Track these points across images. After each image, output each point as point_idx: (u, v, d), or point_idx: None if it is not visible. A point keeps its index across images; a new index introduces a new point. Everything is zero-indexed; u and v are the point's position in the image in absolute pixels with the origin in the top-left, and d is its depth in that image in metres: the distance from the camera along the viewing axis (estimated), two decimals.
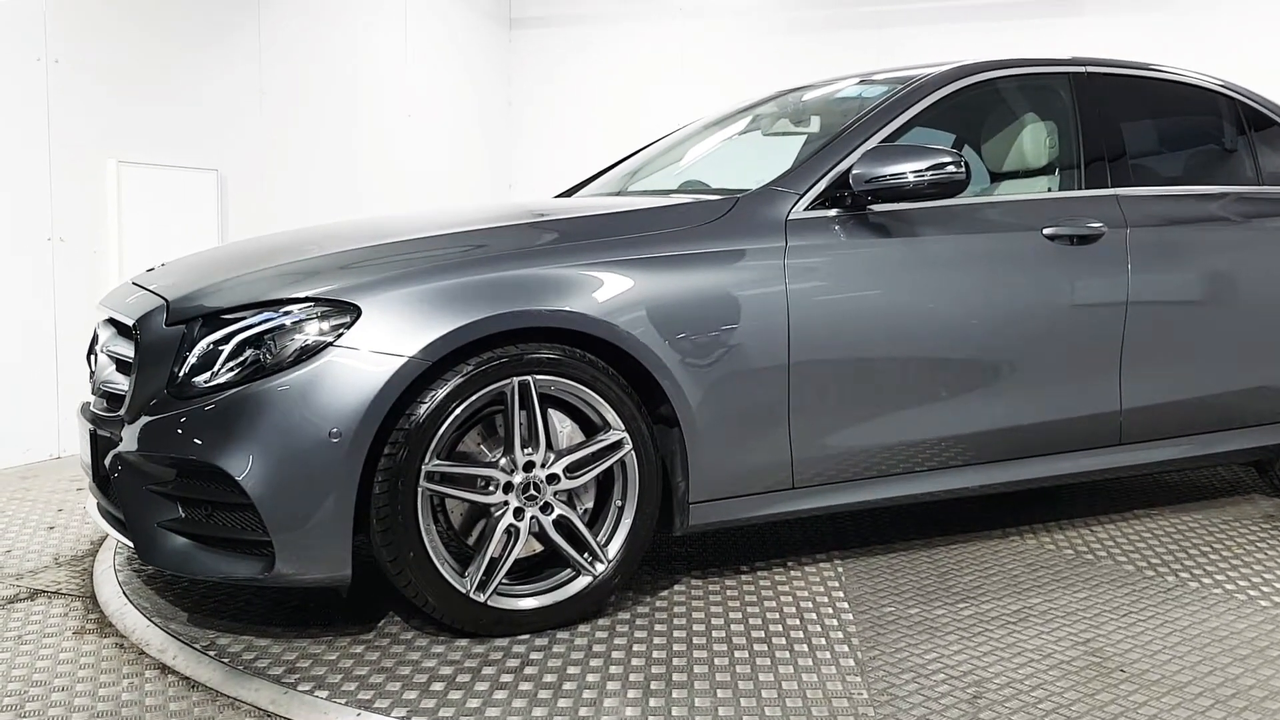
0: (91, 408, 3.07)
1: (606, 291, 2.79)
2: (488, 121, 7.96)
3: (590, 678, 2.51)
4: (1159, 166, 3.93)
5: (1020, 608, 2.96)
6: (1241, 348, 3.69)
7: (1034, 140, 3.64)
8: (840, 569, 3.28)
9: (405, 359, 2.57)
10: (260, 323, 2.63)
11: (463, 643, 2.71)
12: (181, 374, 2.67)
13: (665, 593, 3.07)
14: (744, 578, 3.20)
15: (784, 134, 3.96)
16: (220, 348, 2.65)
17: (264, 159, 5.92)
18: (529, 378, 2.70)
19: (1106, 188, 3.59)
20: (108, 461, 2.78)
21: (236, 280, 2.78)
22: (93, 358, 3.17)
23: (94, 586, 3.22)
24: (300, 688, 2.47)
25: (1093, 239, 3.45)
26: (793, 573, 3.25)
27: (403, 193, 6.91)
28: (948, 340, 3.25)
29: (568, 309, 2.72)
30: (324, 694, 2.44)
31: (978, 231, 3.34)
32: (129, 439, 2.73)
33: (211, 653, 2.67)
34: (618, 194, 4.05)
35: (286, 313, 2.64)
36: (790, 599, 3.02)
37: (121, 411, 2.81)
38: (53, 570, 3.40)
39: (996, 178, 3.69)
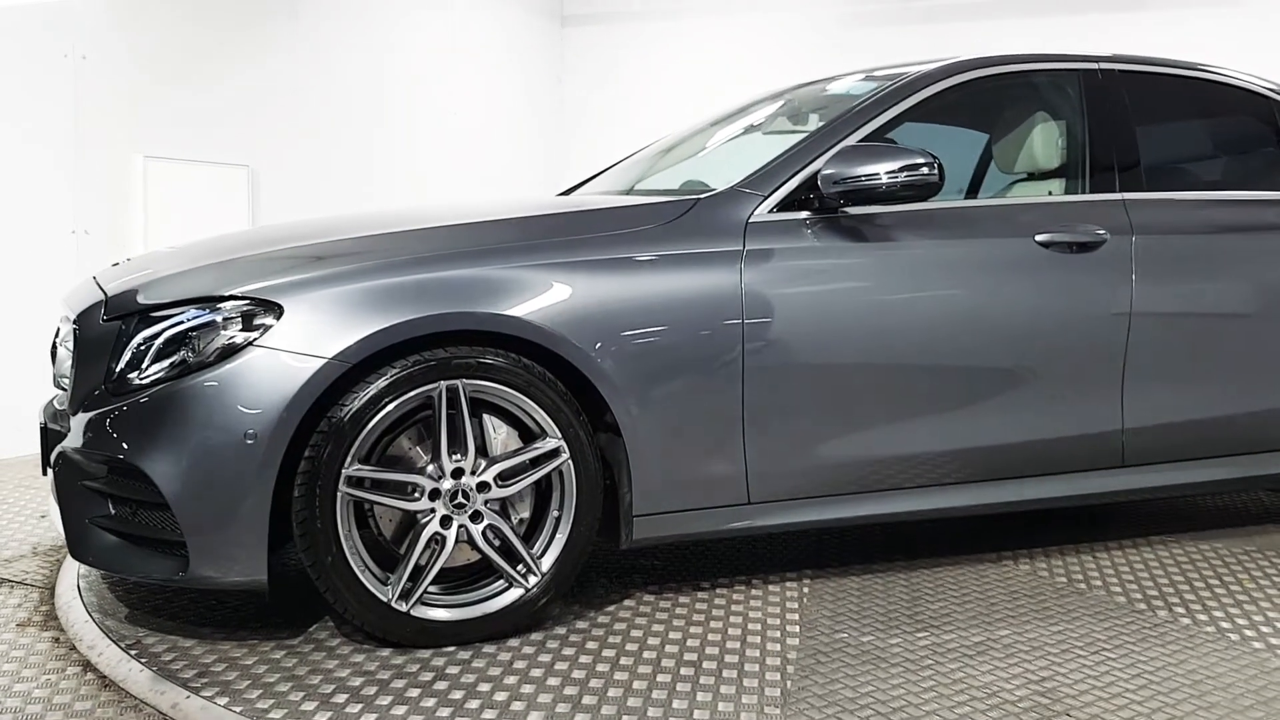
0: (54, 402, 3.09)
1: (542, 294, 2.70)
2: (538, 120, 7.91)
3: (498, 696, 2.42)
4: (1185, 173, 3.68)
5: (983, 640, 2.78)
6: (1258, 366, 3.42)
7: (1036, 141, 3.43)
8: (807, 589, 3.13)
9: (323, 361, 2.51)
10: (186, 320, 2.60)
11: (385, 653, 2.64)
12: (117, 370, 2.66)
13: (612, 608, 2.96)
14: (700, 595, 3.07)
15: (782, 133, 3.80)
16: (150, 345, 2.62)
17: (297, 155, 5.96)
18: (458, 382, 2.62)
19: (1114, 192, 3.36)
20: (52, 456, 2.78)
21: (174, 277, 2.75)
22: (56, 352, 3.19)
23: (57, 579, 3.23)
24: (204, 693, 2.42)
25: (1093, 246, 3.24)
26: (754, 591, 3.11)
27: (442, 190, 6.90)
28: (925, 351, 3.07)
29: (495, 312, 2.63)
30: (224, 700, 2.39)
31: (961, 236, 3.16)
32: (71, 434, 2.72)
33: (134, 652, 2.65)
34: (625, 192, 3.94)
35: (214, 310, 2.60)
36: (740, 620, 2.89)
37: (63, 406, 2.81)
38: (27, 560, 3.43)
39: (994, 180, 3.48)
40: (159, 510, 2.56)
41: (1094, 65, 3.49)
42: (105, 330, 2.69)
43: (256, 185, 5.76)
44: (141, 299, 2.68)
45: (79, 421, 2.69)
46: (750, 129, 4.01)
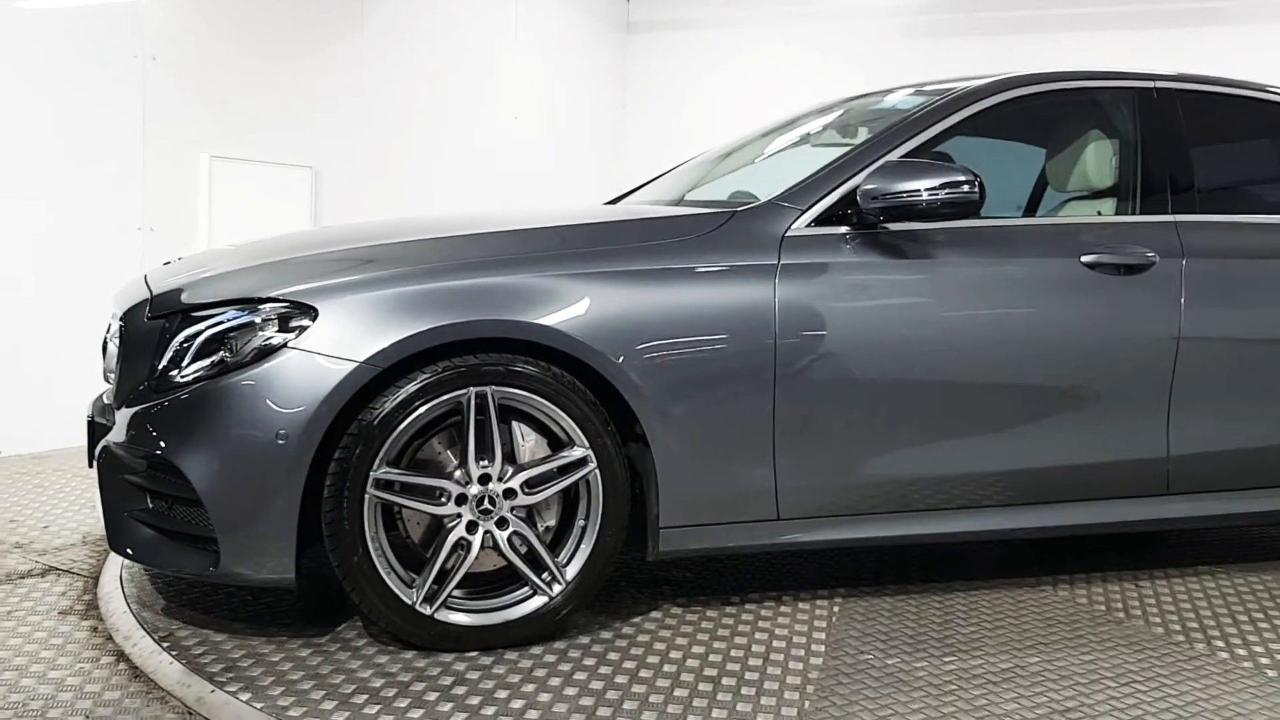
0: (103, 397, 3.17)
1: (573, 303, 2.71)
2: (601, 125, 7.95)
3: (514, 704, 2.43)
4: (1241, 196, 3.59)
5: (1011, 666, 2.73)
6: None
7: (1086, 160, 3.37)
8: (838, 608, 3.10)
9: (355, 364, 2.55)
10: (226, 320, 2.66)
11: (408, 655, 2.67)
12: (160, 368, 2.72)
13: (638, 619, 2.96)
14: (729, 609, 3.06)
15: (831, 145, 3.78)
16: (191, 344, 2.68)
17: (361, 157, 6.05)
18: (487, 389, 2.64)
19: (1165, 214, 3.29)
20: (96, 449, 2.85)
21: (218, 277, 2.81)
22: (107, 347, 3.27)
23: (102, 569, 3.32)
24: (229, 688, 2.47)
25: (1141, 268, 3.17)
26: (784, 608, 3.09)
27: (504, 194, 6.96)
28: (965, 370, 3.03)
29: (525, 320, 2.65)
30: (247, 696, 2.44)
31: (1005, 255, 3.11)
32: (115, 429, 2.79)
33: (166, 644, 2.71)
34: (675, 201, 3.94)
35: (253, 312, 2.65)
36: (765, 636, 2.87)
37: (110, 401, 2.89)
38: (76, 549, 3.53)
39: (1044, 198, 3.43)
40: (193, 506, 2.61)
41: (1149, 84, 3.42)
42: (149, 328, 2.76)
43: (320, 186, 5.87)
44: (184, 299, 2.75)
45: (122, 417, 2.76)
46: (802, 140, 3.99)
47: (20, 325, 4.54)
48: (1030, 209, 3.54)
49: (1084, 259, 3.13)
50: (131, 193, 5.01)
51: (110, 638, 2.80)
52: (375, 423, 2.57)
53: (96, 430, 2.94)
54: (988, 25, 7.01)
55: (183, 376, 2.66)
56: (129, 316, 2.84)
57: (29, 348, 4.74)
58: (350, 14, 5.98)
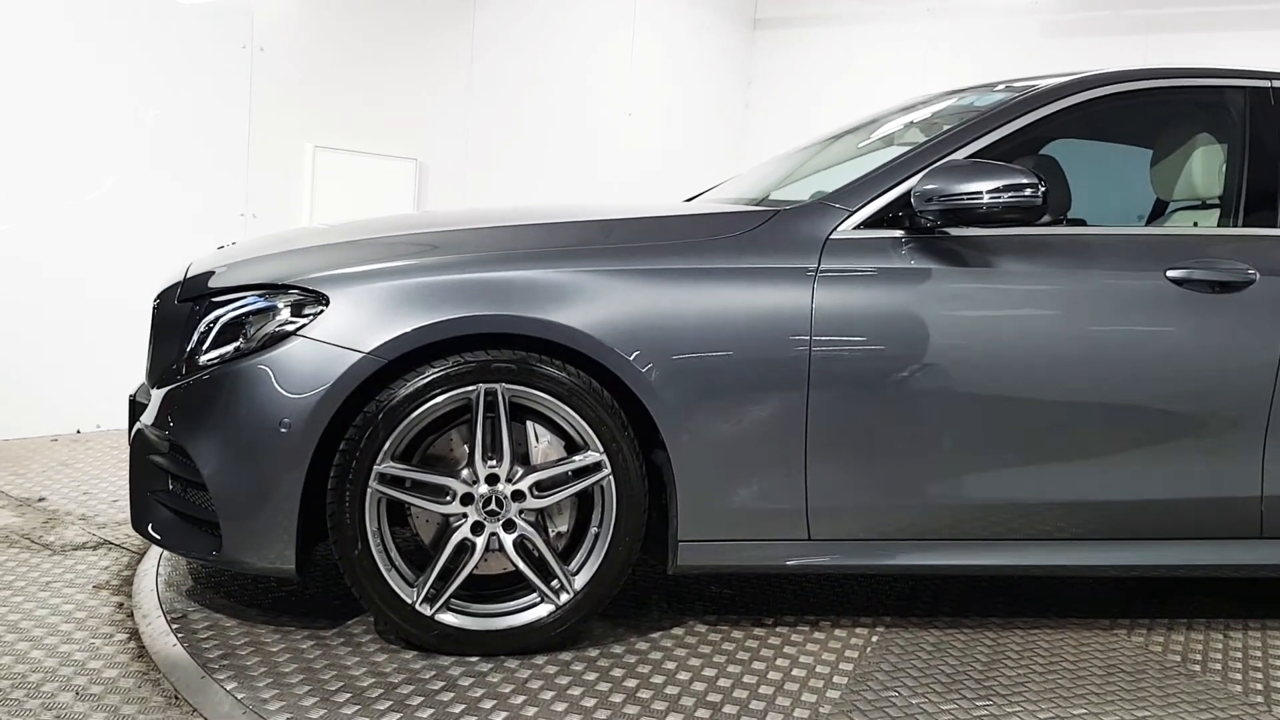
0: None
1: (593, 301, 2.59)
2: (722, 124, 7.80)
3: (497, 716, 2.33)
4: None
5: (1051, 717, 2.49)
6: None
7: (1180, 165, 3.07)
8: (876, 638, 2.90)
9: (360, 355, 2.49)
10: (246, 306, 2.64)
11: (407, 656, 2.60)
12: (187, 350, 2.72)
13: (657, 634, 2.83)
14: (756, 631, 2.89)
15: (910, 144, 3.55)
16: (213, 328, 2.67)
17: (467, 151, 6.07)
18: (497, 386, 2.55)
19: (1273, 227, 2.96)
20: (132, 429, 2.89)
21: (247, 263, 2.80)
22: None
23: (150, 546, 3.37)
24: (218, 675, 2.45)
25: (1238, 286, 2.86)
26: (817, 633, 2.90)
27: (614, 192, 6.89)
28: (1027, 389, 2.79)
29: (537, 316, 2.54)
30: (232, 685, 2.41)
31: (1079, 267, 2.84)
32: (147, 410, 2.82)
33: (176, 626, 2.71)
34: (758, 200, 3.79)
35: (270, 297, 2.62)
36: (786, 664, 2.70)
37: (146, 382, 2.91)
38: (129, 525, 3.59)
39: (1130, 207, 3.14)
40: (201, 490, 2.60)
41: (1265, 83, 3.08)
42: (179, 311, 2.77)
43: (424, 178, 5.90)
44: (212, 283, 2.74)
45: (154, 398, 2.77)
46: (888, 139, 3.77)
47: (123, 306, 4.68)
48: (1117, 217, 3.25)
49: (1170, 274, 2.84)
50: (236, 179, 5.13)
51: (131, 615, 2.82)
52: (380, 416, 2.51)
53: (135, 410, 2.97)
54: (1129, 23, 6.57)
55: (204, 360, 2.65)
56: (162, 299, 2.85)
57: (130, 329, 4.89)
58: (461, 7, 6.00)
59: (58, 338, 4.65)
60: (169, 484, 2.75)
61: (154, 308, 2.86)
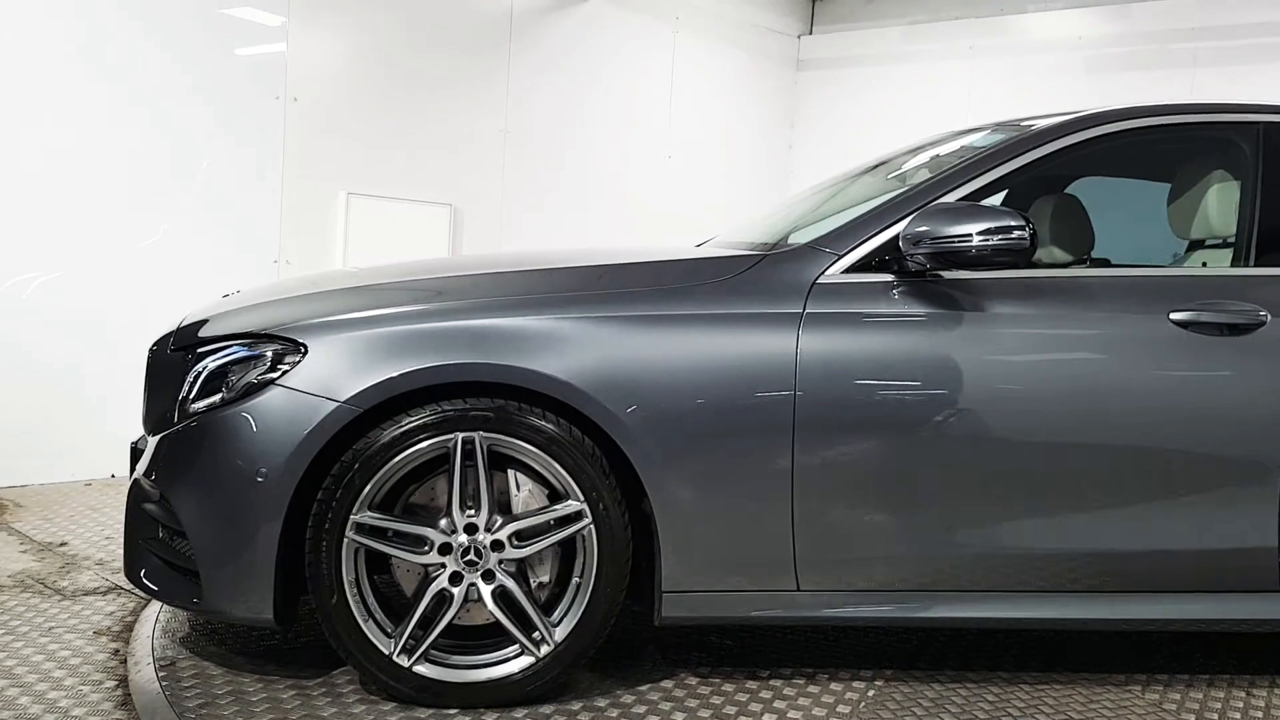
0: None
1: (573, 349, 2.57)
2: (765, 166, 7.78)
3: None
4: None
5: None
6: None
7: (1188, 204, 2.97)
8: (874, 692, 2.82)
9: (336, 404, 2.50)
10: (226, 355, 2.66)
11: (386, 708, 2.58)
12: (179, 399, 2.75)
13: (645, 687, 2.77)
14: (749, 684, 2.82)
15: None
16: (200, 377, 2.70)
17: (503, 195, 6.13)
18: (474, 435, 2.54)
19: None
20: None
21: (237, 312, 2.83)
22: None
23: None
24: None
25: (1248, 329, 2.75)
26: (812, 687, 2.82)
27: (655, 236, 6.89)
28: (1023, 437, 2.70)
29: (515, 365, 2.53)
30: None
31: (1077, 310, 2.76)
32: (143, 457, 2.85)
33: (163, 673, 2.73)
34: (776, 241, 3.75)
35: (252, 346, 2.65)
36: (775, 719, 2.62)
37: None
38: None
39: (1134, 248, 3.04)
40: (184, 538, 2.62)
41: (1277, 118, 2.98)
42: (171, 360, 2.80)
43: (459, 223, 5.96)
44: (201, 333, 2.78)
45: (148, 446, 2.81)
46: (902, 177, 3.71)
47: None
48: (1121, 258, 3.16)
49: (1174, 316, 2.74)
50: (270, 227, 5.22)
51: (124, 662, 2.85)
52: (356, 465, 2.51)
53: (136, 457, 3.01)
54: (1176, 57, 6.42)
55: (190, 409, 2.68)
56: (157, 347, 2.90)
57: None
58: (497, 53, 6.07)
59: (94, 383, 4.76)
60: (159, 532, 2.77)
61: (149, 356, 2.90)
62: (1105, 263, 3.31)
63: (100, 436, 4.74)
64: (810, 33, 8.01)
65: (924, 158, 3.58)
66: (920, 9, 7.53)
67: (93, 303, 4.72)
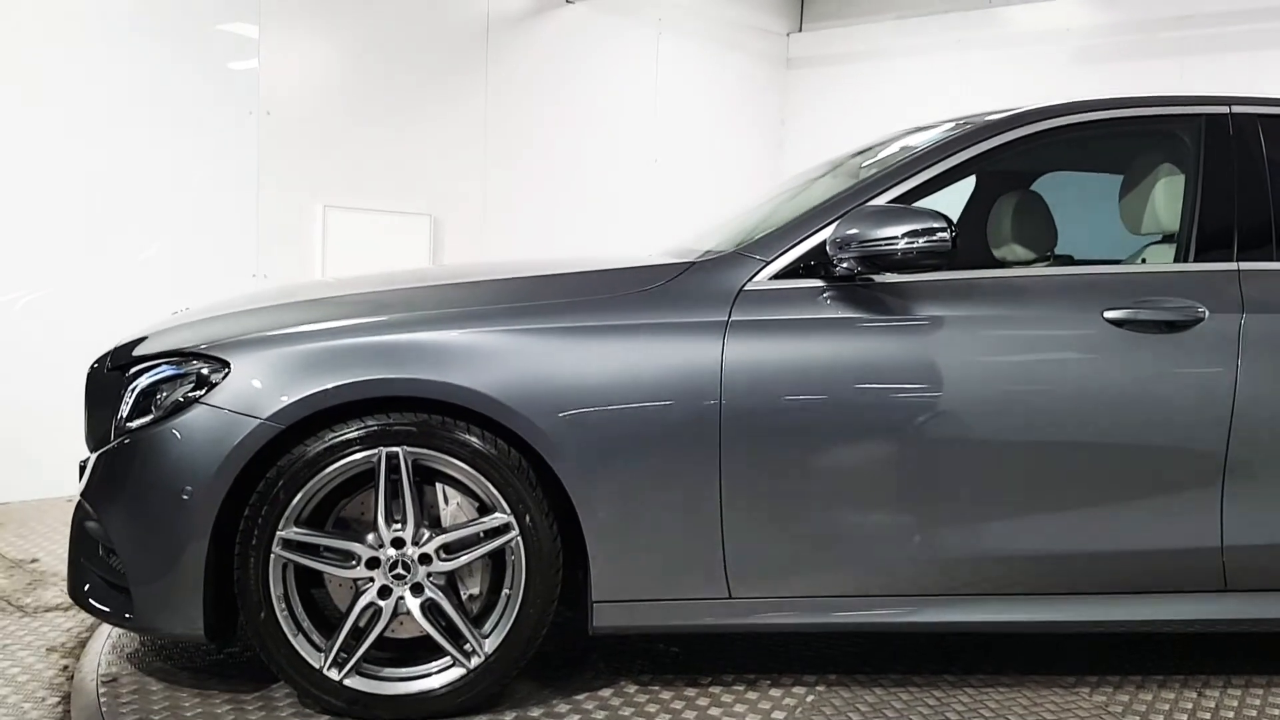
0: None
1: (496, 362, 2.57)
2: (755, 166, 7.75)
3: None
4: None
5: None
6: None
7: (1135, 200, 2.94)
8: (813, 697, 2.80)
9: (258, 422, 2.51)
10: (156, 374, 2.68)
11: None
12: (115, 418, 2.78)
13: (582, 696, 2.77)
14: (688, 691, 2.82)
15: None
16: (132, 396, 2.72)
17: (484, 203, 6.14)
18: (398, 449, 2.54)
19: (1227, 261, 2.81)
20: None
21: (171, 330, 2.85)
22: None
23: None
24: None
25: (1185, 325, 2.72)
26: (750, 693, 2.81)
27: (642, 240, 6.88)
28: (953, 441, 2.68)
29: (437, 379, 2.53)
30: None
31: (1007, 310, 2.74)
32: (84, 475, 2.88)
33: (104, 690, 2.75)
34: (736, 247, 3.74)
35: (180, 365, 2.66)
36: None
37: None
38: None
39: (1074, 245, 3.01)
40: (115, 555, 2.65)
41: (1223, 109, 2.94)
42: (108, 379, 2.83)
43: (439, 233, 5.98)
44: (136, 351, 2.80)
45: (89, 464, 2.83)
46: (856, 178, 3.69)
47: None
48: (1085, 255, 3.13)
49: (1108, 315, 2.71)
50: (246, 241, 5.26)
51: (71, 678, 2.88)
52: (280, 481, 2.52)
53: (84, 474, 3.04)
54: (1164, 46, 6.35)
55: (129, 427, 2.70)
56: (96, 365, 2.92)
57: None
58: (473, 60, 6.08)
59: (74, 399, 4.79)
60: (99, 549, 2.79)
61: (88, 374, 2.93)
62: (1069, 260, 3.27)
63: (81, 452, 4.78)
64: (800, 30, 7.98)
65: (877, 156, 3.55)
66: (909, 3, 7.48)
67: (71, 319, 4.77)
